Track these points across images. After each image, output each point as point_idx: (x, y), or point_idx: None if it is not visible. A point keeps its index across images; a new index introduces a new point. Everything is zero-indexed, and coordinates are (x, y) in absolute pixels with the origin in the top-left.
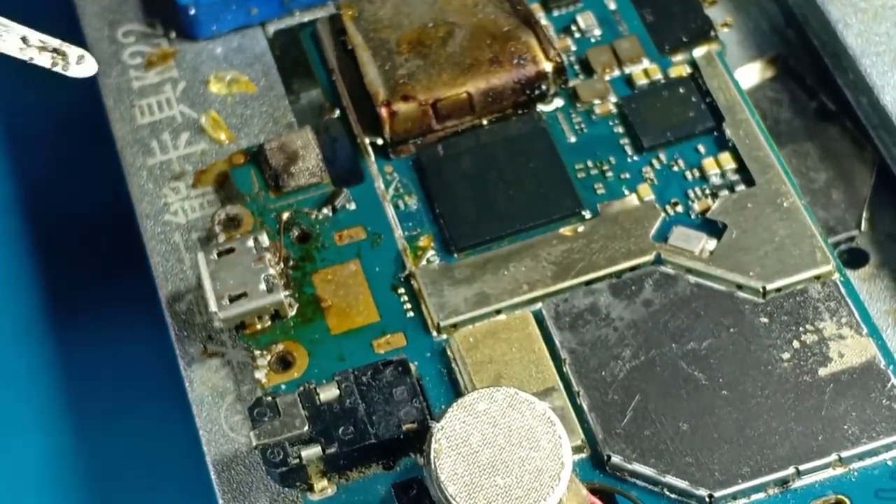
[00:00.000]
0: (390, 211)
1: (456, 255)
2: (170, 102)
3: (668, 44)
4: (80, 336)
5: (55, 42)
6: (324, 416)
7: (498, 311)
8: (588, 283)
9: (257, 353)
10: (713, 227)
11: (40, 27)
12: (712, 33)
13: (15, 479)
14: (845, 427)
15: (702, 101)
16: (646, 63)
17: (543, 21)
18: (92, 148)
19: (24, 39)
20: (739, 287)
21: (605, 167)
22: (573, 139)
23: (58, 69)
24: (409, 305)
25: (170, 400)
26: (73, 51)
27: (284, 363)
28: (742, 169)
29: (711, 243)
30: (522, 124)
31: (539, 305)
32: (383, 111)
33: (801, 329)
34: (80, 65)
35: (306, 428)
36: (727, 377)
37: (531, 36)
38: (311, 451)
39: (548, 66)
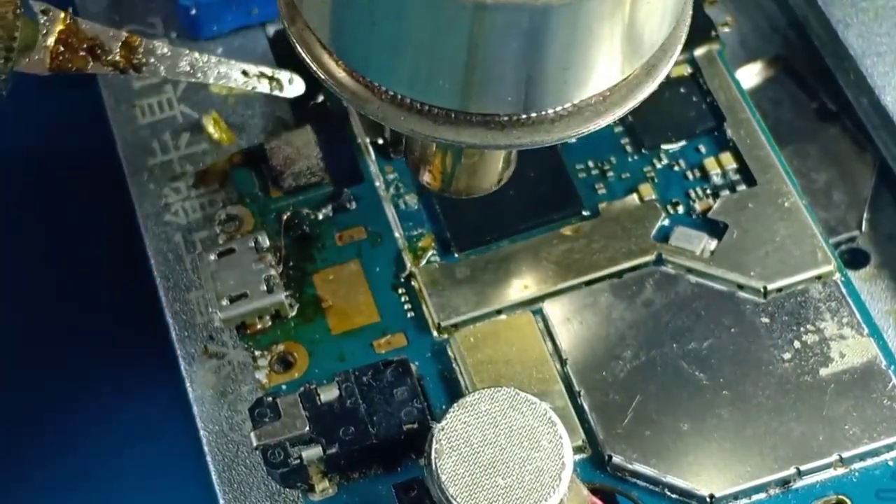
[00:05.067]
0: (390, 211)
1: (456, 255)
2: (170, 103)
3: None
4: (80, 336)
5: (268, 70)
6: (324, 416)
7: (498, 311)
8: (589, 283)
9: (258, 353)
10: (714, 227)
11: None
12: (713, 33)
13: (16, 479)
14: (846, 427)
15: (702, 101)
16: None
17: None
18: (93, 148)
19: (244, 73)
20: (740, 287)
21: (606, 167)
22: (573, 139)
23: (276, 93)
24: (409, 305)
25: (170, 400)
26: (284, 75)
27: (285, 363)
28: (743, 169)
29: (712, 243)
30: None
31: (539, 305)
32: None
33: (801, 329)
34: (291, 85)
35: (307, 428)
36: (728, 377)
37: None
38: (312, 452)
39: None
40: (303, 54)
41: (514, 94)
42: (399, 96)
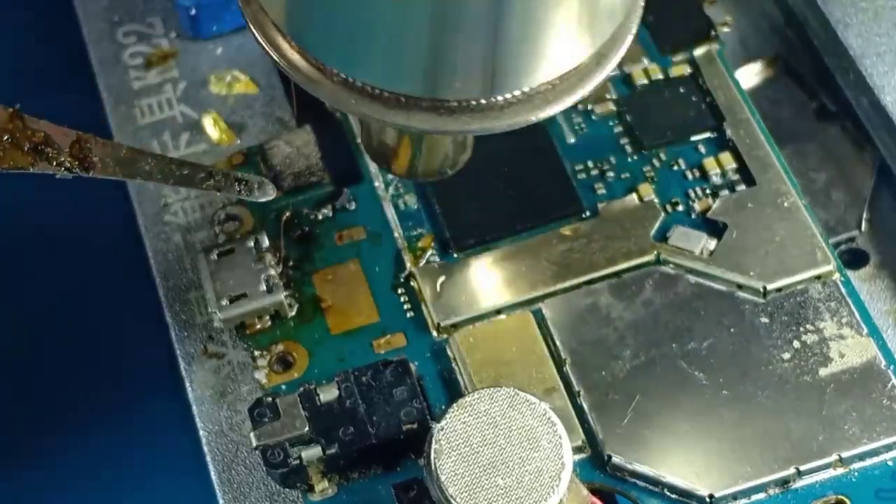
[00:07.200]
0: (390, 211)
1: (456, 255)
2: (170, 103)
3: (668, 43)
4: (80, 336)
5: (236, 173)
6: (324, 416)
7: (498, 311)
8: (588, 283)
9: (257, 353)
10: (713, 227)
11: (40, 27)
12: (712, 33)
13: (16, 478)
14: (846, 427)
15: (702, 101)
16: (646, 62)
17: None
18: None
19: (209, 175)
20: (740, 287)
21: (605, 167)
22: (573, 139)
23: (244, 197)
24: (409, 305)
25: (170, 400)
26: (253, 178)
27: (285, 363)
28: (742, 169)
29: (712, 243)
30: None
31: (539, 305)
32: None
33: (801, 329)
34: (260, 190)
35: (306, 429)
36: (727, 377)
37: None
38: (312, 452)
39: None
40: (256, 35)
41: (464, 80)
42: (350, 79)
